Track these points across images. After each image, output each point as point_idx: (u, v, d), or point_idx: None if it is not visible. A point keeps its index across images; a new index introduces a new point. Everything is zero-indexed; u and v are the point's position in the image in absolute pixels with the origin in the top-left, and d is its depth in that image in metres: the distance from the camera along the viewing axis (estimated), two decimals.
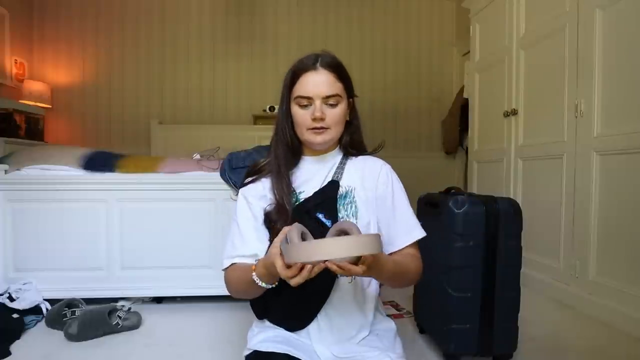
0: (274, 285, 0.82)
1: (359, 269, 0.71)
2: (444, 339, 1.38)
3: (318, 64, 0.91)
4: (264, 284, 0.81)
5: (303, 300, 0.91)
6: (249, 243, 0.93)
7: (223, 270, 0.95)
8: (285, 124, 0.96)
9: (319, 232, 0.82)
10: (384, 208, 0.95)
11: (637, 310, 1.69)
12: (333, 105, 0.92)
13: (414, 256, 0.94)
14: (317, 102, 0.90)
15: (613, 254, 1.85)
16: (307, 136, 0.93)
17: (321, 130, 0.92)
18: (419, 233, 0.96)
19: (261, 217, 0.94)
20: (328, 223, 0.89)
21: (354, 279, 0.94)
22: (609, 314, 1.82)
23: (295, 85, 0.93)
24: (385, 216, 0.95)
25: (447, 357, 1.41)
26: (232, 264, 0.93)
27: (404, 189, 0.99)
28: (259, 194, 0.96)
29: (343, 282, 0.93)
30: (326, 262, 0.69)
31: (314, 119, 0.90)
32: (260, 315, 0.99)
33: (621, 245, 1.80)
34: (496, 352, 1.38)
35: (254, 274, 0.82)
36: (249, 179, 1.00)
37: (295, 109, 0.93)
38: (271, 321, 0.97)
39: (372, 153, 1.04)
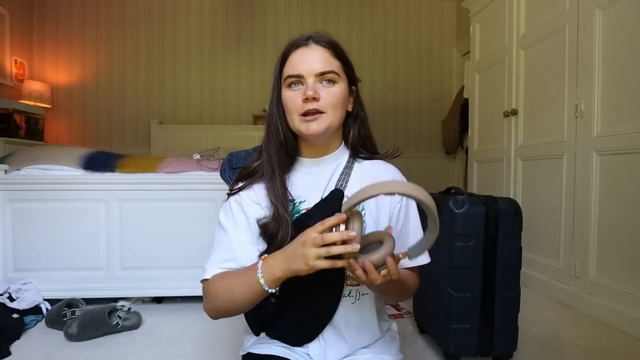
0: (273, 291, 0.71)
1: (380, 277, 0.64)
2: (444, 339, 1.38)
3: (310, 41, 0.78)
4: (264, 284, 0.69)
5: (305, 320, 0.83)
6: (246, 249, 0.80)
7: (203, 281, 0.81)
8: (277, 115, 0.81)
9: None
10: (395, 228, 0.83)
11: (637, 310, 1.69)
12: (329, 84, 0.77)
13: (414, 274, 0.86)
14: (310, 80, 0.76)
15: (613, 254, 1.84)
16: (299, 125, 0.77)
17: (315, 115, 0.75)
18: (425, 259, 0.84)
19: (257, 229, 0.81)
20: None
21: (358, 300, 0.84)
22: (609, 314, 1.82)
23: (285, 66, 0.79)
24: (395, 235, 0.81)
25: (447, 357, 1.41)
26: (220, 273, 0.80)
27: (416, 208, 0.87)
28: (252, 200, 0.83)
29: (346, 302, 0.84)
30: (356, 260, 0.64)
31: (306, 99, 0.75)
32: (257, 332, 0.90)
33: (621, 245, 1.80)
34: (496, 352, 1.38)
35: (260, 265, 0.71)
36: (239, 184, 0.84)
37: (285, 93, 0.78)
38: (268, 335, 0.89)
39: (386, 158, 0.91)
